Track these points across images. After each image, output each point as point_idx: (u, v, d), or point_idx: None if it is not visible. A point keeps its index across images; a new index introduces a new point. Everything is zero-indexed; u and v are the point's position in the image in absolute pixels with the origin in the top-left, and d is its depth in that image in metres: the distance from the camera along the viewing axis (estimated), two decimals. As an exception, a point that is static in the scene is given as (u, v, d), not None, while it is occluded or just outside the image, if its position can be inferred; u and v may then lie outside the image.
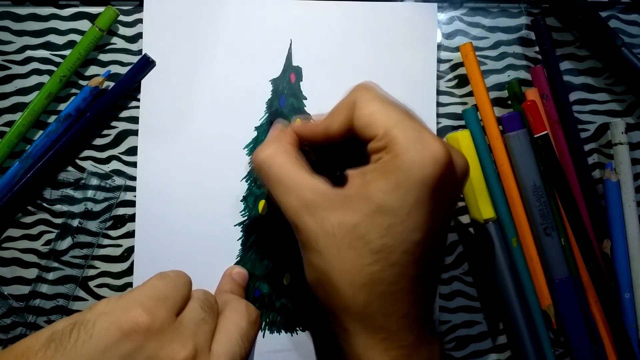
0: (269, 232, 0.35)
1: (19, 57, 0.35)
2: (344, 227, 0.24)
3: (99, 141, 0.35)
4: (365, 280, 0.24)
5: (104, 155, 0.35)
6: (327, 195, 0.25)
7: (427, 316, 0.26)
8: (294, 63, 0.35)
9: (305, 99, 0.35)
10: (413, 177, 0.23)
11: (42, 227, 0.35)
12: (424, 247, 0.24)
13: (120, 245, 0.35)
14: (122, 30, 0.36)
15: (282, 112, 0.35)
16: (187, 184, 0.35)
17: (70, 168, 0.35)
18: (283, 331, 0.34)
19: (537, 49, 0.37)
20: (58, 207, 0.35)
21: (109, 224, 0.35)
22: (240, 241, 0.35)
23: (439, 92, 0.36)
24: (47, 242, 0.35)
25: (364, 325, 0.25)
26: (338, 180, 0.26)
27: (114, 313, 0.23)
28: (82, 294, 0.35)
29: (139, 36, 0.36)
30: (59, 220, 0.35)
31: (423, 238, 0.24)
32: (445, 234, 0.27)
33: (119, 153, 0.35)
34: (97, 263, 0.35)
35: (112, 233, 0.35)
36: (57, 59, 0.35)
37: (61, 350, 0.21)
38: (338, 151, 0.29)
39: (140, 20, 0.36)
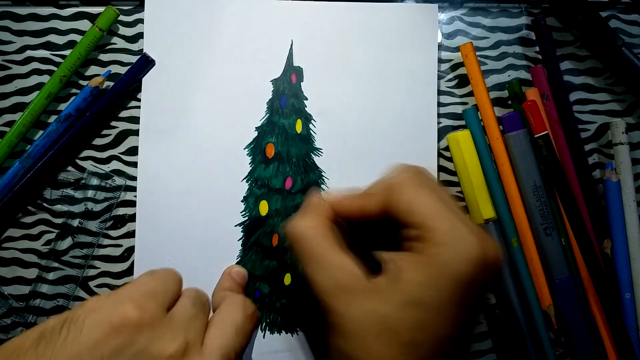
0: (269, 233, 0.35)
1: (19, 57, 0.35)
2: (373, 317, 0.24)
3: (99, 141, 0.35)
4: None
5: (104, 155, 0.35)
6: (360, 280, 0.25)
7: None
8: (295, 63, 0.35)
9: (306, 99, 0.35)
10: (448, 273, 0.23)
11: (42, 227, 0.35)
12: (453, 342, 0.24)
13: (120, 245, 0.35)
14: (122, 30, 0.36)
15: (283, 112, 0.35)
16: (187, 184, 0.35)
17: (70, 168, 0.35)
18: (283, 332, 0.34)
19: (537, 49, 0.37)
20: (58, 207, 0.35)
21: (109, 224, 0.35)
22: (240, 241, 0.35)
23: (439, 92, 0.36)
24: (47, 242, 0.35)
25: None
26: (373, 267, 0.26)
27: (104, 309, 0.23)
28: (82, 294, 0.35)
29: (139, 36, 0.36)
30: (59, 220, 0.35)
31: (453, 334, 0.23)
32: (473, 327, 0.26)
33: (119, 153, 0.35)
34: (97, 263, 0.35)
35: (112, 233, 0.35)
36: (57, 59, 0.35)
37: (51, 346, 0.21)
38: (372, 226, 0.28)
39: (140, 20, 0.36)
